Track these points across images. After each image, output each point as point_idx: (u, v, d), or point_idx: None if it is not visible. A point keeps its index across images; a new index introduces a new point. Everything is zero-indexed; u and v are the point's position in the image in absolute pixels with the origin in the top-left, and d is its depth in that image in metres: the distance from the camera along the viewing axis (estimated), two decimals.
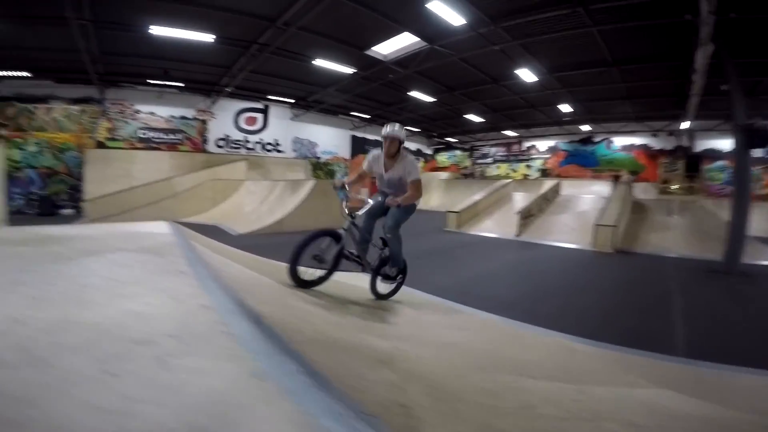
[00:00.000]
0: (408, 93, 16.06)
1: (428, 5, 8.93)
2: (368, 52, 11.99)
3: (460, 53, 11.79)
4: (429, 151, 27.34)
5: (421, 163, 26.23)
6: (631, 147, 19.78)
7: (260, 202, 12.66)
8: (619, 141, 20.17)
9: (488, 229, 12.25)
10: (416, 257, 8.00)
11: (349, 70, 13.36)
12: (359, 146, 22.83)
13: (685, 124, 16.26)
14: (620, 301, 5.51)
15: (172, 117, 16.37)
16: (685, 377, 2.77)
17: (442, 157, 27.15)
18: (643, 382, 2.48)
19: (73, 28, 9.36)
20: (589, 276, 7.16)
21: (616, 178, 16.95)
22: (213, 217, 12.63)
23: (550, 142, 22.68)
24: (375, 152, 3.64)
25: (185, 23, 9.97)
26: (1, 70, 12.67)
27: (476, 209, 13.57)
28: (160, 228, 4.14)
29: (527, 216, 11.98)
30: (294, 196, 11.35)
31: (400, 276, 4.06)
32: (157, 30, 10.11)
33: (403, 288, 5.06)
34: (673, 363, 3.05)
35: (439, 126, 23.41)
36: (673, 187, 17.48)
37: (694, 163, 17.57)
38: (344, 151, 22.63)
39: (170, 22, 9.86)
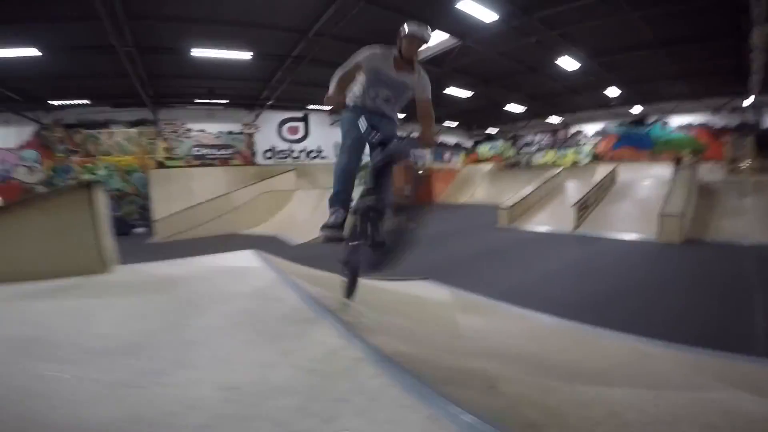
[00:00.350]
0: (443, 90, 15.83)
1: (458, 5, 8.97)
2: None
3: (495, 47, 11.55)
4: (469, 144, 26.86)
5: (461, 157, 25.88)
6: (689, 126, 18.47)
7: (312, 211, 13.07)
8: (676, 120, 18.89)
9: (542, 223, 11.97)
10: (473, 258, 8.14)
11: None
12: None
13: (748, 100, 15.04)
14: (693, 298, 5.23)
15: (221, 133, 17.17)
16: (763, 379, 2.66)
17: (484, 149, 26.56)
18: (719, 385, 2.44)
19: (120, 54, 9.92)
20: (657, 271, 6.87)
21: (677, 161, 15.88)
22: (270, 228, 13.24)
23: (599, 126, 21.59)
24: (377, 49, 2.65)
25: (223, 43, 10.46)
26: (65, 99, 13.74)
27: (528, 202, 13.28)
28: (249, 260, 4.48)
29: (584, 207, 11.60)
30: None
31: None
32: (197, 52, 10.72)
33: (468, 294, 4.97)
34: (751, 364, 2.89)
35: (477, 118, 22.93)
36: (743, 166, 16.08)
37: (766, 138, 16.07)
38: None
39: (208, 43, 10.40)
